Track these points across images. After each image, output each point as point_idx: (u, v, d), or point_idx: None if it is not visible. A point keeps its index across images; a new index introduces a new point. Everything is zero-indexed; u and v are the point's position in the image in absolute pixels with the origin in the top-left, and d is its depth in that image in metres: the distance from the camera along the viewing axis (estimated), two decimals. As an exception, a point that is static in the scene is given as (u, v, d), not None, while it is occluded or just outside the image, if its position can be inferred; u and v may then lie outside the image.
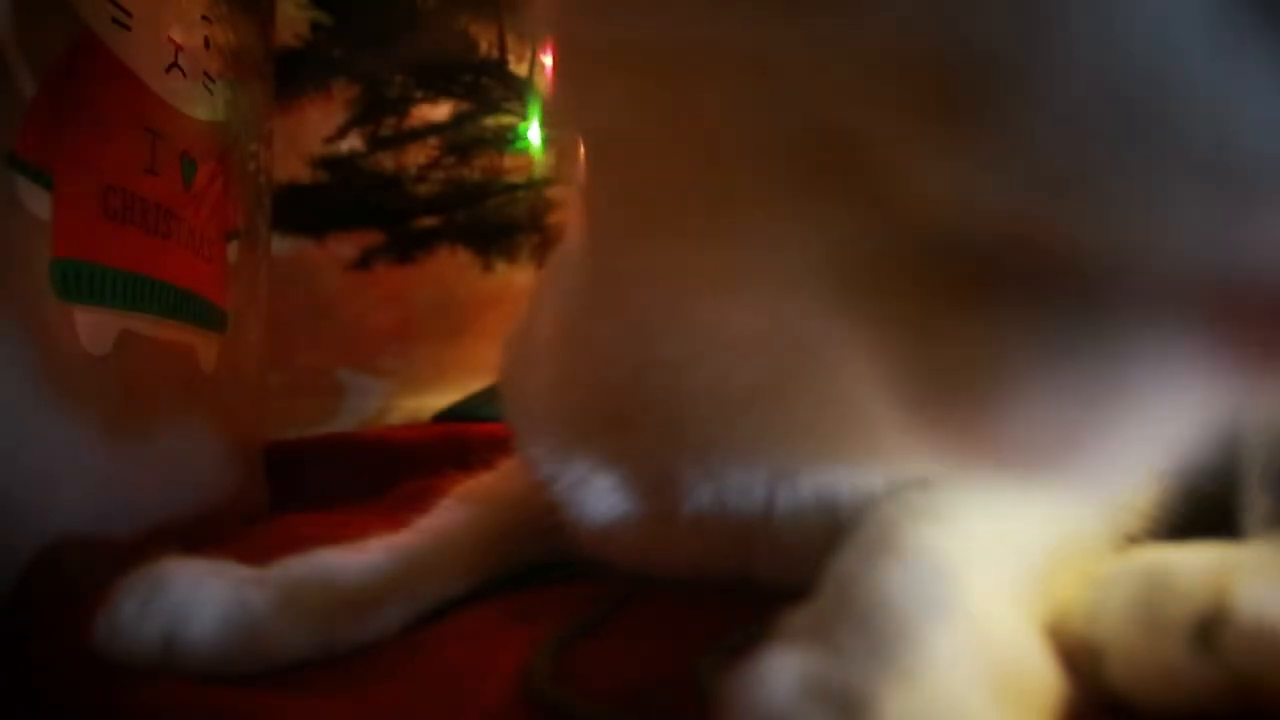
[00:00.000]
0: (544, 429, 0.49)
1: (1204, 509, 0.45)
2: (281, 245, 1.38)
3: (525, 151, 1.51)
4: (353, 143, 1.48)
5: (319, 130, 1.45)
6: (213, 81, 0.81)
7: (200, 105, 0.78)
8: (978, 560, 0.31)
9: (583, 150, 0.33)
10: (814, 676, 0.23)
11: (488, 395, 1.23)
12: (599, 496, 0.48)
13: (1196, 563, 0.29)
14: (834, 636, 0.26)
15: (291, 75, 1.23)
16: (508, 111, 1.45)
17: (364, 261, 1.57)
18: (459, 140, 1.50)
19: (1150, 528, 0.44)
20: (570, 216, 0.48)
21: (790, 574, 0.45)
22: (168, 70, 0.72)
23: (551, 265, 0.54)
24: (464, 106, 1.45)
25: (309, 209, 1.45)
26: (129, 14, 0.66)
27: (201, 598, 0.40)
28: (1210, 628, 0.27)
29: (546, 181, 1.46)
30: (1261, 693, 0.26)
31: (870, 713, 0.22)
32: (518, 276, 1.60)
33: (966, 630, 0.26)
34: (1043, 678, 0.27)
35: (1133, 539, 0.44)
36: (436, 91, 1.42)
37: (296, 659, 0.43)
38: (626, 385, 0.44)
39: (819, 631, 0.26)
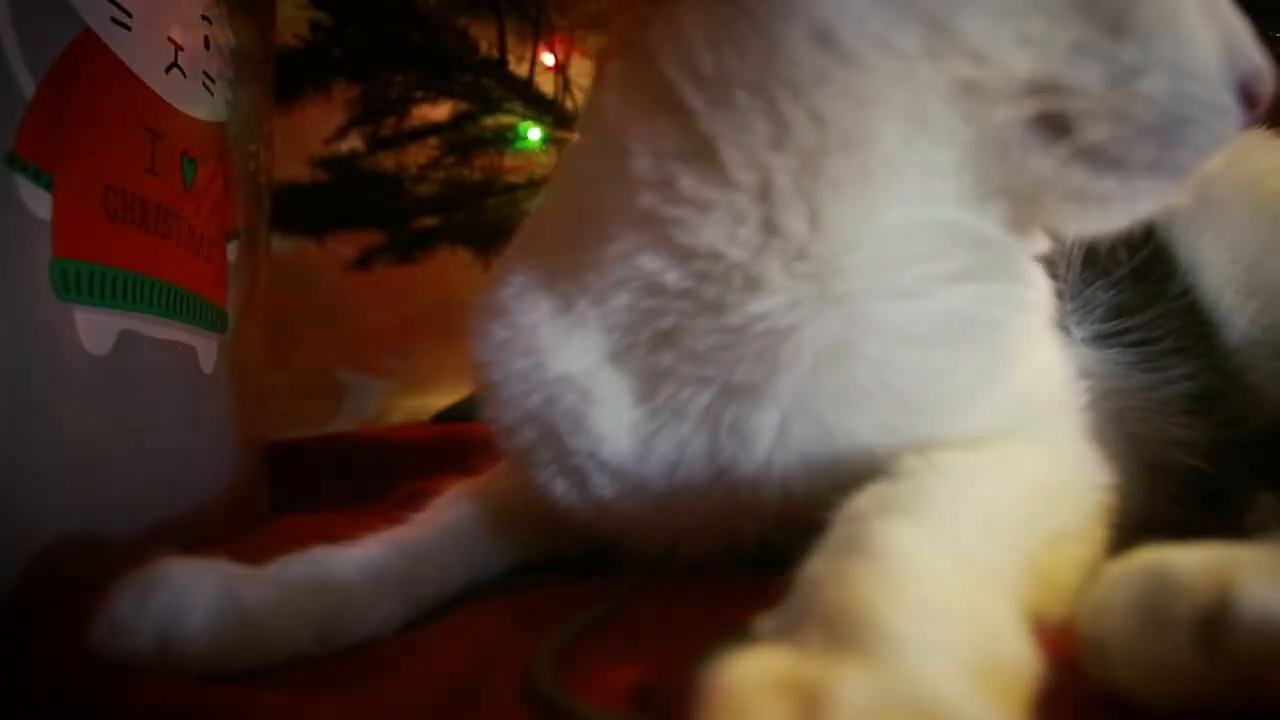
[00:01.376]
0: (545, 351, 0.49)
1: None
2: (281, 245, 1.38)
3: (525, 151, 1.51)
4: (353, 143, 1.48)
5: (319, 130, 1.45)
6: (213, 81, 0.81)
7: (200, 105, 0.78)
8: (947, 552, 0.31)
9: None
10: (778, 672, 0.23)
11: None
12: (604, 405, 0.48)
13: (1199, 561, 0.29)
14: (800, 635, 0.26)
15: (291, 75, 1.23)
16: (508, 111, 1.45)
17: (364, 261, 1.57)
18: (459, 140, 1.50)
19: (1129, 511, 0.45)
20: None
21: (776, 532, 0.46)
22: (168, 70, 0.72)
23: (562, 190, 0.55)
24: (464, 106, 1.45)
25: (309, 209, 1.45)
26: (129, 14, 0.66)
27: (196, 595, 0.40)
28: (1213, 625, 0.27)
29: (546, 181, 1.45)
30: (1264, 689, 0.26)
31: (830, 700, 0.22)
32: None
33: (932, 620, 0.26)
34: (1016, 658, 0.27)
35: (1117, 524, 0.44)
36: (436, 91, 1.42)
37: (294, 654, 0.43)
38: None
39: (787, 632, 0.27)
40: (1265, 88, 0.43)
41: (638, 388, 0.48)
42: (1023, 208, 0.44)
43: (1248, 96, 0.42)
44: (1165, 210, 0.65)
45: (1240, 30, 0.43)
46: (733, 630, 0.29)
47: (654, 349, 0.47)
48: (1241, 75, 0.42)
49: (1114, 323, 0.58)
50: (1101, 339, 0.57)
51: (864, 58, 0.40)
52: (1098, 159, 0.41)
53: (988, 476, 0.40)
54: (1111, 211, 0.44)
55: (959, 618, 0.27)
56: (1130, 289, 0.59)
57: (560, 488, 0.51)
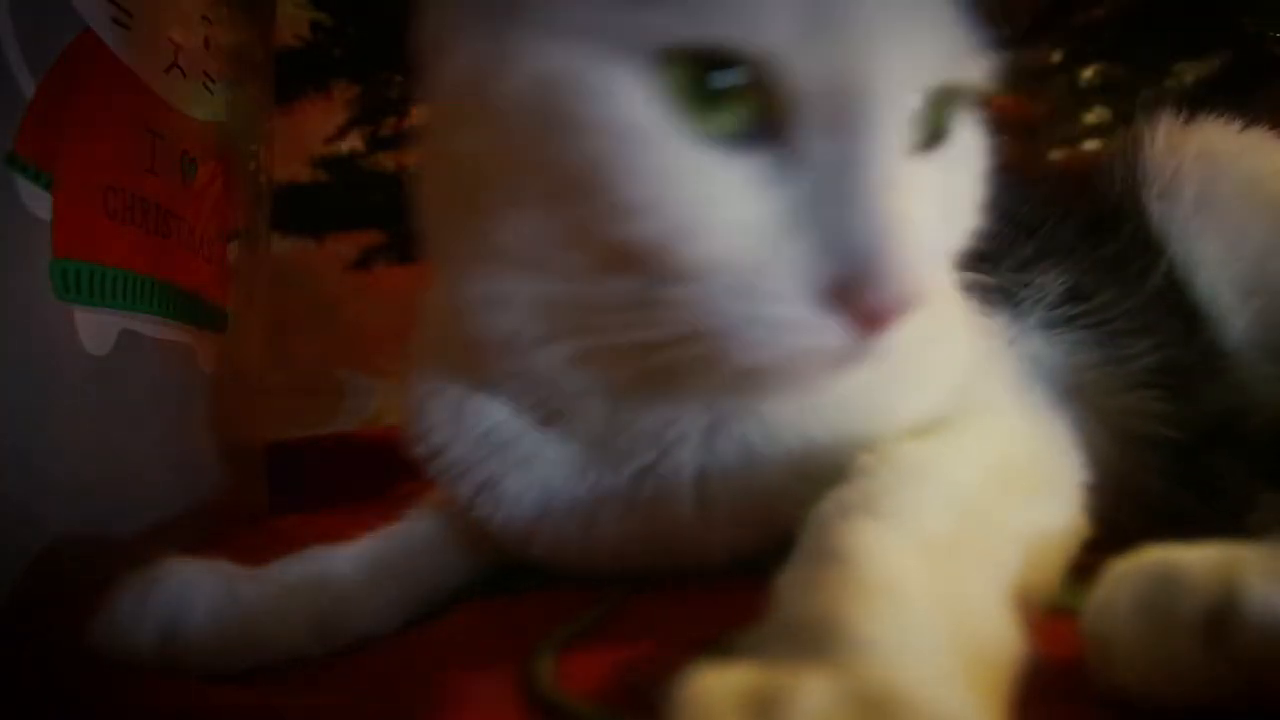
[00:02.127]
0: (481, 406, 0.49)
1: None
2: (281, 245, 1.37)
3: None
4: (353, 143, 1.48)
5: (319, 130, 1.45)
6: (213, 81, 0.81)
7: (200, 105, 0.78)
8: (913, 542, 0.31)
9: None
10: (744, 685, 0.23)
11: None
12: (538, 466, 0.47)
13: (1204, 560, 0.29)
14: (770, 648, 0.26)
15: (291, 75, 1.23)
16: (508, 112, 1.44)
17: (364, 261, 1.57)
18: (459, 140, 1.49)
19: (1107, 485, 0.44)
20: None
21: (712, 545, 0.46)
22: (168, 70, 0.72)
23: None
24: (464, 107, 1.45)
25: (309, 209, 1.45)
26: (129, 14, 0.66)
27: (197, 595, 0.41)
28: (1219, 624, 0.27)
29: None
30: (1270, 688, 0.26)
31: (787, 707, 0.22)
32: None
33: (899, 617, 0.26)
34: (995, 639, 0.27)
35: (1101, 500, 0.43)
36: (436, 92, 1.42)
37: (294, 654, 0.43)
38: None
39: (757, 647, 0.27)
40: (871, 294, 0.33)
41: (571, 466, 0.47)
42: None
43: (855, 307, 0.34)
44: (1160, 202, 0.65)
45: (861, 224, 0.33)
46: (716, 646, 0.28)
47: (557, 442, 0.47)
48: (831, 282, 0.34)
49: (1066, 307, 0.57)
50: (1056, 324, 0.57)
51: (457, 263, 0.43)
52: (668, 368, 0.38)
53: (945, 460, 0.39)
54: (753, 394, 0.42)
55: (930, 609, 0.27)
56: (1088, 274, 0.58)
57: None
